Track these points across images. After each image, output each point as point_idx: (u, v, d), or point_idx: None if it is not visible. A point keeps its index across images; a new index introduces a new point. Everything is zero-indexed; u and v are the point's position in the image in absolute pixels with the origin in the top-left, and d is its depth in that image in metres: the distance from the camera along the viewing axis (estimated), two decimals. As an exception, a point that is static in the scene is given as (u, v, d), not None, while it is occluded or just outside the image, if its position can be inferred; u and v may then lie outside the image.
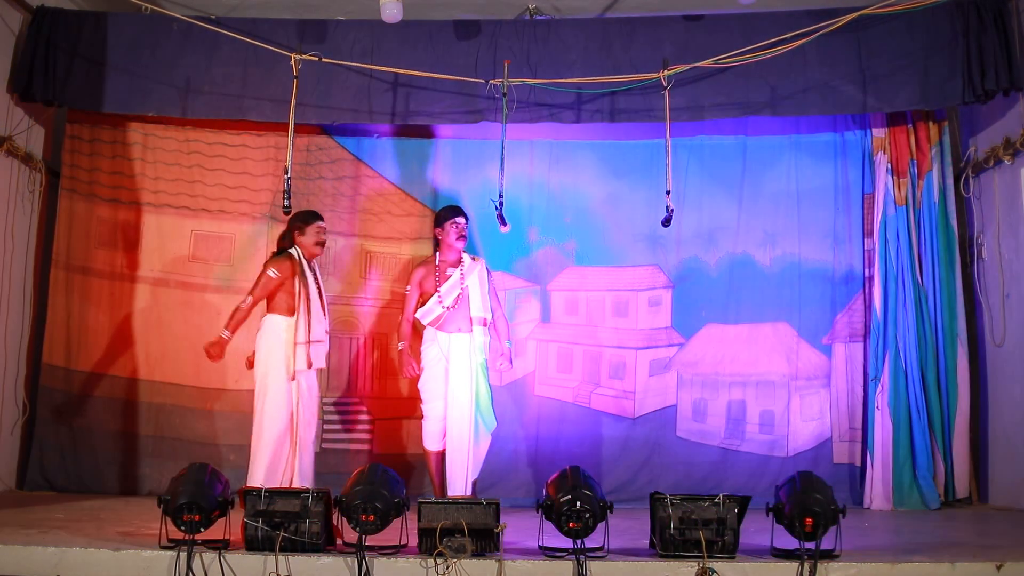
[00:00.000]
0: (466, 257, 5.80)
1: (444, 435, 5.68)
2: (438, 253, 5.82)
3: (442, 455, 5.72)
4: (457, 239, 5.75)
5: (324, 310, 5.63)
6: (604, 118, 6.06)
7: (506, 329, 5.94)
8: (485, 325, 5.74)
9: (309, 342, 5.46)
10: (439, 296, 5.70)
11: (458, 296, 5.70)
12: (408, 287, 5.84)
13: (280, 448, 5.49)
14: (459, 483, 5.52)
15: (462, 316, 5.69)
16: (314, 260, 5.69)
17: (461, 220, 5.77)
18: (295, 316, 5.44)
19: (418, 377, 5.76)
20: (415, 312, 5.78)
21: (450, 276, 5.73)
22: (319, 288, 5.63)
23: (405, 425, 6.57)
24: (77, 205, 6.62)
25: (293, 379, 5.41)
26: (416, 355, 5.81)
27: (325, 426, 6.44)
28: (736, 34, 5.86)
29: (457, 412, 5.57)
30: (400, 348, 5.80)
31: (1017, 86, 5.74)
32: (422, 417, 5.80)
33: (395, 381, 6.64)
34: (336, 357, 6.43)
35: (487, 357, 5.76)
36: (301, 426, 5.49)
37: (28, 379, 6.50)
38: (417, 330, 5.88)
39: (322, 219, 5.74)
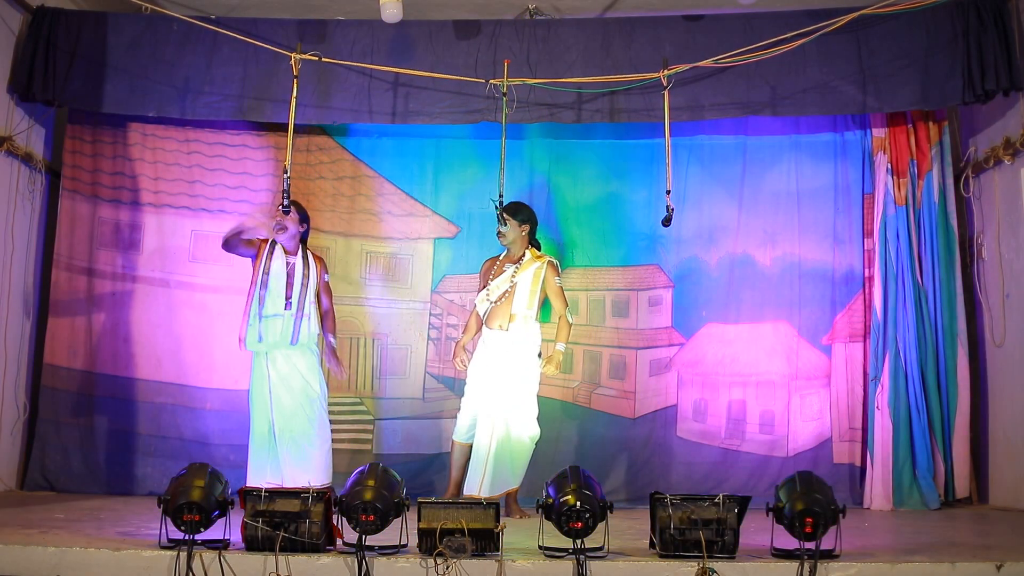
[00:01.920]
0: (529, 254, 5.76)
1: (470, 429, 5.67)
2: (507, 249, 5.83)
3: (465, 449, 5.71)
4: (498, 236, 5.76)
5: (288, 297, 5.57)
6: (604, 118, 6.06)
7: (565, 333, 5.72)
8: (524, 324, 5.64)
9: (261, 317, 5.51)
10: (487, 290, 5.73)
11: (504, 292, 5.68)
12: (480, 280, 5.91)
13: (260, 441, 5.48)
14: (474, 483, 5.48)
15: (503, 313, 5.67)
16: (308, 254, 5.68)
17: (504, 217, 5.70)
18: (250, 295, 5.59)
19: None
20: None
21: (504, 271, 5.74)
22: (291, 275, 5.59)
23: (405, 425, 6.57)
24: (79, 205, 6.62)
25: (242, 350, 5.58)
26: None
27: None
28: (736, 34, 5.86)
29: (484, 413, 5.56)
30: (457, 341, 5.92)
31: (1017, 86, 5.74)
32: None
33: (396, 381, 6.65)
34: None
35: (537, 360, 5.69)
36: (278, 417, 5.47)
37: (28, 379, 6.50)
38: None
39: (291, 210, 5.59)
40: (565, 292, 5.79)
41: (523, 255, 5.76)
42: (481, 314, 5.78)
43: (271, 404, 5.48)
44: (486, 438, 5.51)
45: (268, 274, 5.57)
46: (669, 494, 3.95)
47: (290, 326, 5.56)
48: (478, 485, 5.46)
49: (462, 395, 5.86)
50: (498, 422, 5.50)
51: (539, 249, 5.84)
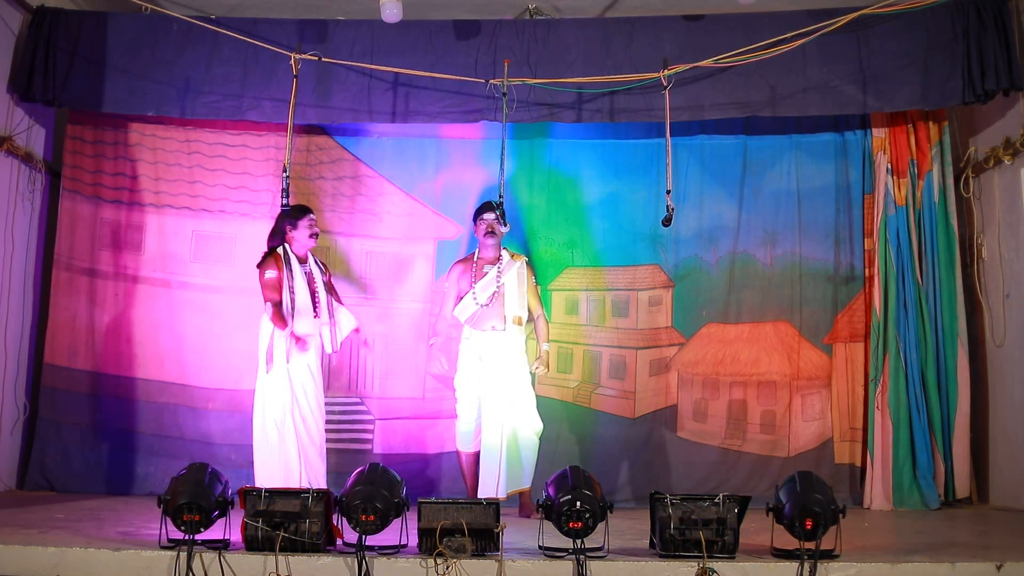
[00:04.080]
0: (505, 254, 5.78)
1: (477, 436, 5.66)
2: (477, 250, 5.84)
3: (475, 456, 5.70)
4: (485, 235, 5.74)
5: (316, 304, 5.59)
6: (604, 118, 6.06)
7: (545, 331, 5.83)
8: (521, 324, 5.69)
9: (293, 335, 5.46)
10: (474, 293, 5.70)
11: (493, 294, 5.68)
12: (446, 284, 5.91)
13: (269, 449, 5.48)
14: (490, 487, 5.46)
15: (496, 314, 5.66)
16: (310, 254, 5.71)
17: (488, 216, 5.72)
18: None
19: (453, 375, 5.82)
20: (453, 309, 5.81)
21: (487, 273, 5.73)
22: (311, 282, 5.60)
23: (405, 425, 6.57)
24: (79, 206, 6.62)
25: (268, 372, 5.45)
26: (452, 353, 5.84)
27: (325, 426, 6.37)
28: (736, 34, 5.86)
29: (489, 413, 5.55)
30: (431, 343, 5.90)
31: (1017, 86, 5.74)
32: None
33: (396, 381, 6.65)
34: (336, 356, 6.41)
35: (527, 359, 5.72)
36: (300, 424, 5.48)
37: (28, 379, 6.51)
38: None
39: (311, 211, 5.73)
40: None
41: (499, 255, 5.76)
42: (464, 318, 5.74)
43: (294, 413, 5.48)
44: (496, 440, 5.50)
45: (293, 292, 5.51)
46: (669, 494, 3.96)
47: (327, 335, 5.60)
48: (494, 487, 5.44)
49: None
50: (506, 423, 5.50)
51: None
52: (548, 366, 5.75)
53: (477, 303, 5.69)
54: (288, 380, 5.48)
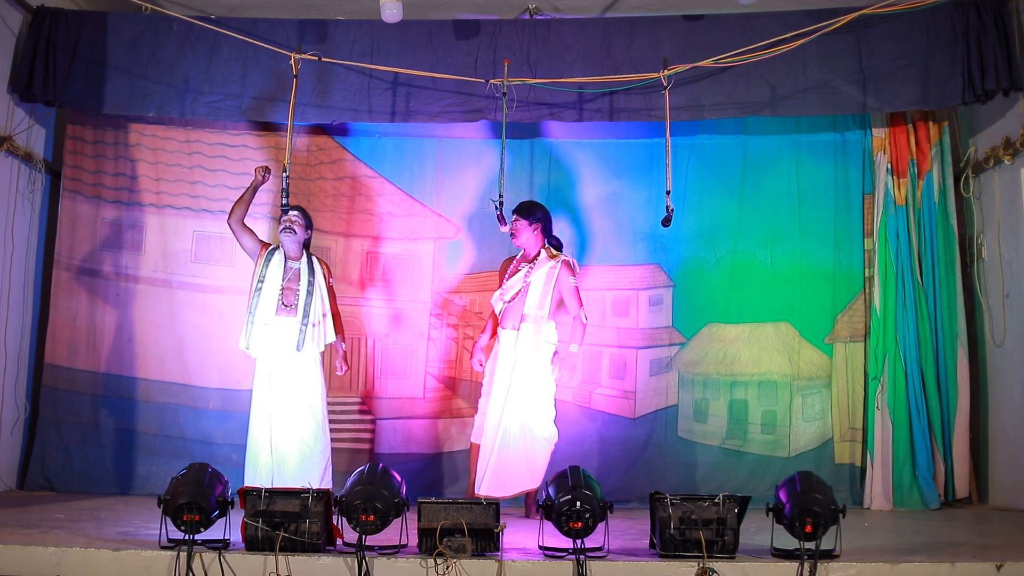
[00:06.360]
0: (544, 253, 5.70)
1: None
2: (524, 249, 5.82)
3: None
4: (510, 236, 5.73)
5: (289, 304, 5.47)
6: (604, 117, 6.06)
7: (580, 334, 5.64)
8: (538, 324, 5.59)
9: (252, 323, 5.41)
10: (501, 290, 5.72)
11: (518, 292, 5.66)
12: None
13: (256, 444, 5.39)
14: (482, 482, 5.43)
15: (516, 312, 5.64)
16: (307, 255, 5.61)
17: (514, 217, 5.67)
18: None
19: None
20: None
21: (519, 270, 5.72)
22: (294, 280, 5.52)
23: (405, 425, 6.57)
24: (79, 206, 6.63)
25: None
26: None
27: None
28: (736, 34, 5.87)
29: (492, 410, 5.54)
30: (476, 340, 5.90)
31: (1017, 86, 5.74)
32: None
33: (396, 381, 6.65)
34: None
35: (549, 361, 5.63)
36: (276, 426, 5.37)
37: (29, 379, 6.51)
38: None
39: (295, 210, 5.57)
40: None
41: (538, 254, 5.74)
42: (497, 314, 5.77)
43: (269, 413, 5.43)
44: (491, 437, 5.48)
45: (263, 281, 5.46)
46: (669, 494, 3.95)
47: (295, 333, 5.49)
48: (484, 483, 5.41)
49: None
50: (510, 421, 5.46)
51: (558, 248, 5.79)
52: (572, 369, 5.61)
53: (503, 300, 5.70)
54: (267, 383, 5.41)
